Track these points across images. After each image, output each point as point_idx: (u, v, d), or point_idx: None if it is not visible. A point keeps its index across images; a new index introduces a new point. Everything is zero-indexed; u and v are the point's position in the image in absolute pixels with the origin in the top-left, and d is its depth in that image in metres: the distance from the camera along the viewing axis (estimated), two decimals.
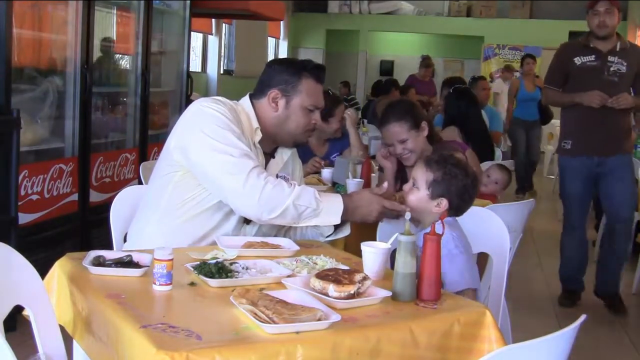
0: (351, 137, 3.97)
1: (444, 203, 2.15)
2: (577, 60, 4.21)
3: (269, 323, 1.49)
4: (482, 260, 2.87)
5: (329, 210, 2.16)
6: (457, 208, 2.18)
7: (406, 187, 2.24)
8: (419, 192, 2.18)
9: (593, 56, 4.17)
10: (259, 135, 2.30)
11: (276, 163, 2.40)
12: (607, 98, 4.05)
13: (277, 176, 2.33)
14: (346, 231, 2.29)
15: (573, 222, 4.40)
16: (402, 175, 3.05)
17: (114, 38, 4.97)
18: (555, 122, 8.93)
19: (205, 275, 1.79)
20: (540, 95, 7.80)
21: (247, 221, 2.30)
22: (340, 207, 2.16)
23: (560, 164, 4.49)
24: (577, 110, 4.20)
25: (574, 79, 4.25)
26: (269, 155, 2.39)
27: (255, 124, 2.30)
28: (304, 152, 3.97)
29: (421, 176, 2.19)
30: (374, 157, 4.67)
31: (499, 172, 3.84)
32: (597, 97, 4.06)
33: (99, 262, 1.87)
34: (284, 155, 2.44)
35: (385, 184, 2.29)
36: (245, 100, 2.36)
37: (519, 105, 8.39)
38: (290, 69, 2.31)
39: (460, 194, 2.16)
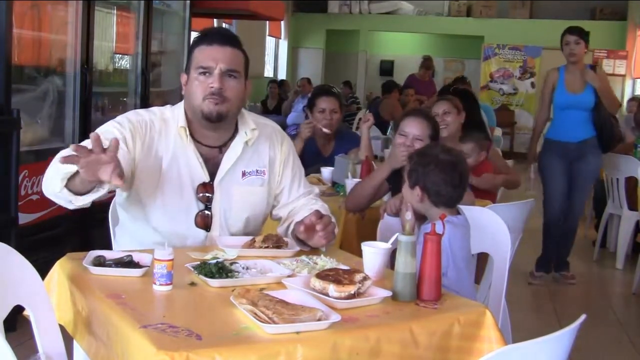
0: (363, 139, 3.96)
1: (418, 191, 2.28)
2: None
3: (269, 323, 1.49)
4: (482, 260, 2.87)
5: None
6: (437, 195, 2.26)
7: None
8: (405, 184, 2.35)
9: None
10: (184, 136, 2.22)
11: (228, 157, 2.27)
12: None
13: (243, 173, 2.27)
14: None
15: None
16: (396, 180, 3.05)
17: (114, 38, 4.97)
18: None
19: (206, 275, 1.79)
20: (595, 98, 4.55)
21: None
22: None
23: None
24: None
25: None
26: (216, 148, 2.27)
27: (182, 124, 2.22)
28: (309, 152, 3.97)
29: (406, 169, 2.39)
30: (376, 158, 4.68)
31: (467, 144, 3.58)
32: None
33: (99, 262, 1.88)
34: (237, 147, 2.28)
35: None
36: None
37: (555, 117, 4.84)
38: (189, 49, 2.29)
39: (434, 181, 2.25)
